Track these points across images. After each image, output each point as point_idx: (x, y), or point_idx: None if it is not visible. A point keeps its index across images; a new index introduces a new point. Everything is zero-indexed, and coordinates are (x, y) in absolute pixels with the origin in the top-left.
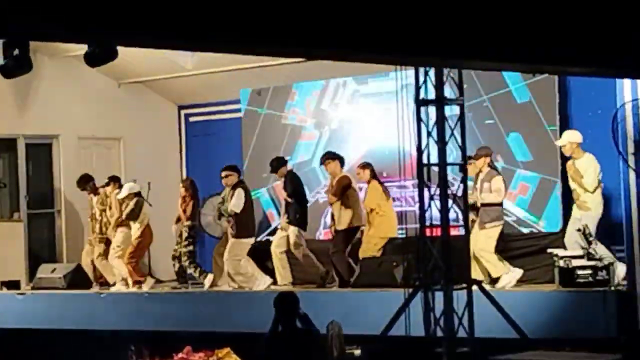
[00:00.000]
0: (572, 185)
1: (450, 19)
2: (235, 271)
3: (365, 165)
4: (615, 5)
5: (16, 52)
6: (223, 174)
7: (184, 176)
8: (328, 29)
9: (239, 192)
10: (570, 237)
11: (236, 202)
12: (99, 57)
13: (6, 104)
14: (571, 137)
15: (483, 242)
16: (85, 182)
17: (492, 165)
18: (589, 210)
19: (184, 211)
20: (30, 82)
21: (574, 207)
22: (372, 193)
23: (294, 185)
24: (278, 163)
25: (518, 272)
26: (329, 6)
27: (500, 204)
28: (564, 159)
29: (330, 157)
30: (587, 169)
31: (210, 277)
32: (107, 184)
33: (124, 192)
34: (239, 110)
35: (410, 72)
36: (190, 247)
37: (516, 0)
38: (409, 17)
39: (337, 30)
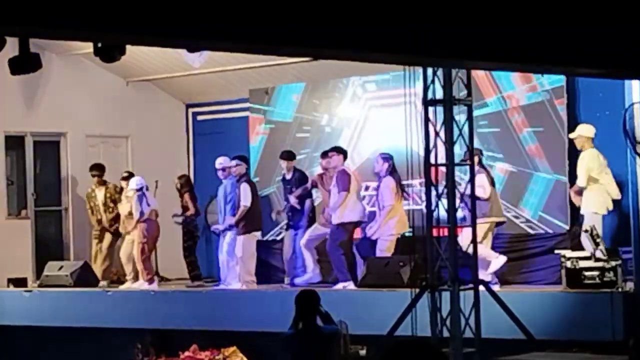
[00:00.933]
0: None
1: (458, 19)
2: (247, 271)
3: (386, 158)
4: (623, 6)
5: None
6: (233, 162)
7: (192, 174)
8: (336, 28)
9: (244, 186)
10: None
11: (244, 196)
12: (110, 52)
13: (14, 101)
14: (583, 131)
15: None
16: (100, 170)
17: (481, 164)
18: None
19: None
20: (38, 79)
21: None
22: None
23: (304, 186)
24: (289, 154)
25: None
26: (336, 6)
27: (487, 200)
28: (572, 159)
29: (335, 150)
30: (583, 162)
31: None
32: (127, 178)
33: (133, 185)
34: (246, 109)
35: (419, 71)
36: (188, 243)
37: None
38: (417, 18)
39: (345, 30)
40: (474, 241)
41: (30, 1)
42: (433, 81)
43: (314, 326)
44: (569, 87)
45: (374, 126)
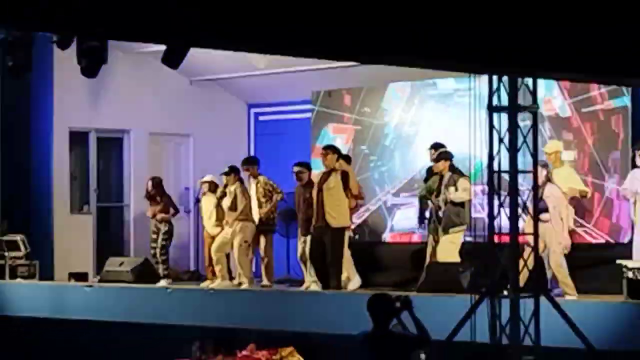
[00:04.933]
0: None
1: (528, 30)
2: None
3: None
4: None
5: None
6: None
7: None
8: (404, 36)
9: None
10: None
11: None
12: (175, 57)
13: (79, 98)
14: (558, 147)
15: (447, 249)
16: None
17: (453, 169)
18: None
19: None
20: (103, 77)
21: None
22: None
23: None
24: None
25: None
26: (403, 13)
27: (463, 206)
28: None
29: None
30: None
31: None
32: (228, 174)
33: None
34: (309, 111)
35: (484, 78)
36: (166, 242)
37: (597, 10)
38: (485, 27)
39: (412, 38)
40: (535, 250)
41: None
42: (498, 88)
43: (387, 331)
44: (634, 96)
45: (437, 130)
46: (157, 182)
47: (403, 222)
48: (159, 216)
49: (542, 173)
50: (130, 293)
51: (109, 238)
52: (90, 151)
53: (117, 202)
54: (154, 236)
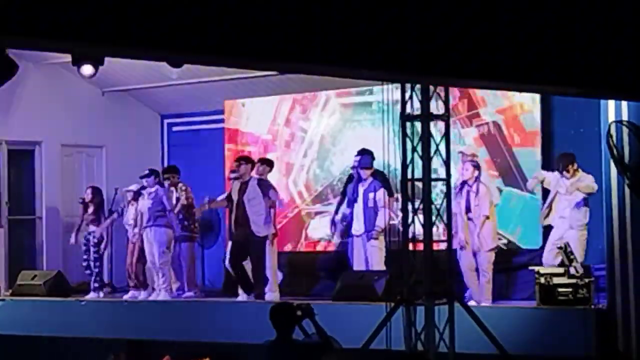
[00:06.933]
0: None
1: (435, 38)
2: None
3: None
4: (598, 26)
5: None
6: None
7: None
8: (315, 43)
9: None
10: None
11: None
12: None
13: None
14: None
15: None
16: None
17: (375, 175)
18: None
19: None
20: (14, 88)
21: None
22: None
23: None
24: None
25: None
26: (314, 20)
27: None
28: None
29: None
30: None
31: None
32: (149, 176)
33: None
34: (222, 121)
35: (397, 87)
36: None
37: (500, 19)
38: (395, 35)
39: (324, 45)
40: (449, 256)
41: (10, 11)
42: (411, 97)
43: (291, 340)
44: (543, 104)
45: (349, 140)
46: (96, 192)
47: (319, 230)
48: (92, 227)
49: (473, 173)
50: (43, 306)
51: (21, 251)
52: (0, 163)
53: (29, 214)
54: (85, 248)
